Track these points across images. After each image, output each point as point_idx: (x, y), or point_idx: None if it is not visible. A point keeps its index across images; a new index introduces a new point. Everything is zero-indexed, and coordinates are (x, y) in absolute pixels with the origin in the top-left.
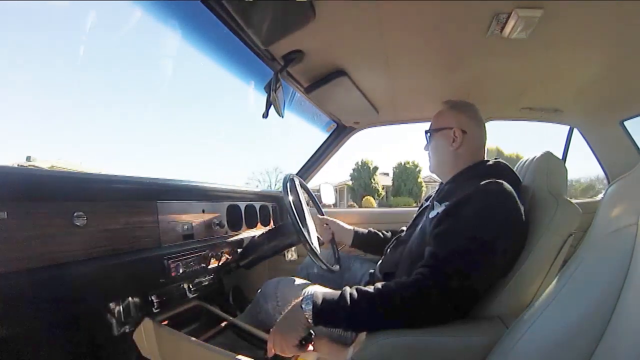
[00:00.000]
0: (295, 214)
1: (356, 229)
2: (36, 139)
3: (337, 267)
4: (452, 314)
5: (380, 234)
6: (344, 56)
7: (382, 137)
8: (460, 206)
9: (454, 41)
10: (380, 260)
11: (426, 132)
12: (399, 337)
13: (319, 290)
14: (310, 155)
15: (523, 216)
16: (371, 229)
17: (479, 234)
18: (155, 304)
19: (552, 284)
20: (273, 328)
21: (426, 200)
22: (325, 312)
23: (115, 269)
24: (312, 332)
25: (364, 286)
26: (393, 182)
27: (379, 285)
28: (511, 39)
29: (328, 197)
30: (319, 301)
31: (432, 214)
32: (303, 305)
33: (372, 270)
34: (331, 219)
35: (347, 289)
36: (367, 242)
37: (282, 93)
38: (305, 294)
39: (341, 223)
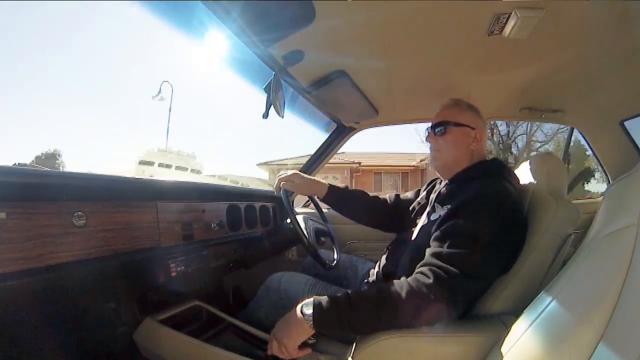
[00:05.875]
0: (294, 213)
1: (335, 185)
2: None
3: (334, 262)
4: (453, 313)
5: (369, 194)
6: (344, 56)
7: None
8: (462, 207)
9: (454, 41)
10: (381, 260)
11: (443, 123)
12: (399, 337)
13: (319, 296)
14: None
15: (523, 216)
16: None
17: (481, 234)
18: (155, 303)
19: (552, 284)
20: (273, 330)
21: (426, 196)
22: (326, 317)
23: (115, 269)
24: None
25: (365, 286)
26: None
27: (379, 286)
28: (511, 39)
29: None
30: (320, 306)
31: (435, 217)
32: (304, 310)
33: (373, 270)
34: (298, 172)
35: (347, 292)
36: (343, 199)
37: (282, 93)
38: (305, 300)
39: (314, 178)
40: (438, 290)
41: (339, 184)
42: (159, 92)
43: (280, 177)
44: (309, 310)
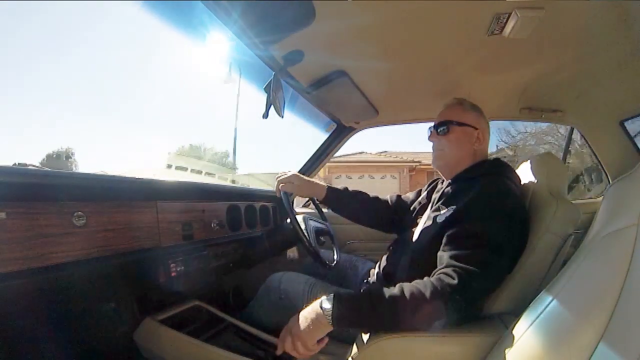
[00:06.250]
0: (294, 213)
1: (333, 186)
2: None
3: (334, 263)
4: (471, 312)
5: (369, 195)
6: (344, 56)
7: None
8: (469, 207)
9: (454, 41)
10: (381, 260)
11: (446, 122)
12: (399, 337)
13: (339, 291)
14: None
15: (526, 214)
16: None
17: (492, 233)
18: (155, 303)
19: (552, 284)
20: (287, 326)
21: (427, 195)
22: (346, 313)
23: (115, 269)
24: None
25: (366, 286)
26: None
27: (401, 285)
28: (511, 39)
29: None
30: (340, 302)
31: (440, 219)
32: (323, 305)
33: (373, 270)
34: (297, 174)
35: (368, 289)
36: (342, 201)
37: (282, 93)
38: (324, 296)
39: (313, 180)
40: (462, 290)
41: (395, 181)
42: (229, 73)
43: (279, 179)
44: (328, 305)
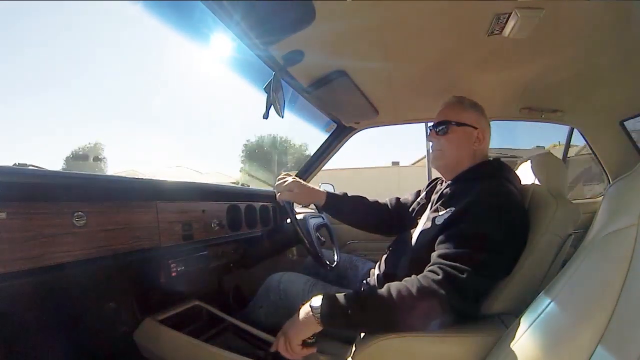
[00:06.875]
0: (296, 218)
1: (333, 192)
2: None
3: (334, 263)
4: (462, 310)
5: (369, 199)
6: (344, 56)
7: None
8: (467, 210)
9: (454, 41)
10: (381, 261)
11: (445, 122)
12: (399, 338)
13: (329, 292)
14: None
15: (526, 217)
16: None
17: (487, 235)
18: (155, 303)
19: (552, 284)
20: (284, 326)
21: (426, 196)
22: (334, 312)
23: (115, 269)
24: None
25: (366, 286)
26: None
27: (389, 285)
28: (511, 39)
29: None
30: (328, 300)
31: (439, 220)
32: (312, 303)
33: (373, 270)
34: (297, 179)
35: (358, 291)
36: (342, 206)
37: (282, 93)
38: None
39: (312, 186)
40: (448, 286)
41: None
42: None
43: (279, 188)
44: (317, 303)
